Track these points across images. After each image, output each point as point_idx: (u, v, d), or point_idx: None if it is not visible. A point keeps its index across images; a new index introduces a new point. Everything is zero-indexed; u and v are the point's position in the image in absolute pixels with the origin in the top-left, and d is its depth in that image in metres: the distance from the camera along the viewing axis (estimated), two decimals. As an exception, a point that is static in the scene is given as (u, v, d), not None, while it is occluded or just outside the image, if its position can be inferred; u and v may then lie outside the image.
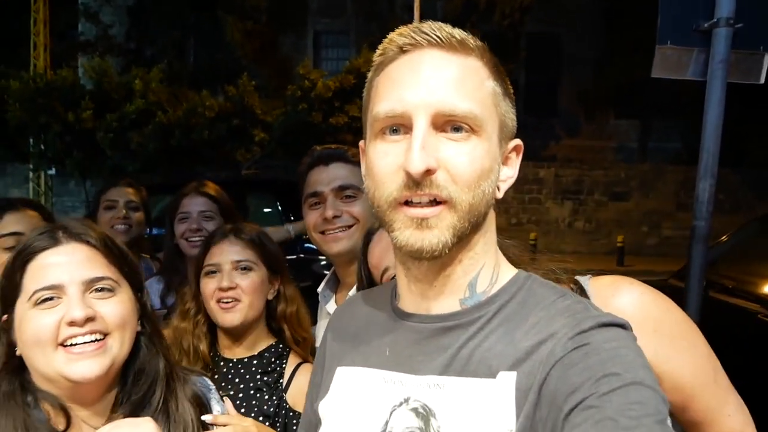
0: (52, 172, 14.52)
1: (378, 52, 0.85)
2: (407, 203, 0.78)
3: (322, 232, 1.63)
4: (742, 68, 2.64)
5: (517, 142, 0.87)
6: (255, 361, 1.62)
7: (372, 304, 0.97)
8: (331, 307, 1.72)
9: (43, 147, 12.75)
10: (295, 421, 1.53)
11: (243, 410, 1.53)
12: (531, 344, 0.75)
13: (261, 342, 1.66)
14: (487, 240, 0.85)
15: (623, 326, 0.76)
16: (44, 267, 1.03)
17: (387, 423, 0.82)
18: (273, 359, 1.63)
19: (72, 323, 1.00)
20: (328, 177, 1.63)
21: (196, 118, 11.73)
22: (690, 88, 2.95)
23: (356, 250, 1.58)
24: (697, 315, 2.49)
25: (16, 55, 14.70)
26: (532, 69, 16.17)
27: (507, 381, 0.74)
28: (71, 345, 1.01)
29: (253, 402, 1.55)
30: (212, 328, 1.67)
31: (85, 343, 1.01)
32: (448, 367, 0.79)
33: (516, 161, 0.88)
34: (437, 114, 0.77)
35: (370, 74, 0.87)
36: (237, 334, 1.63)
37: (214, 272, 1.61)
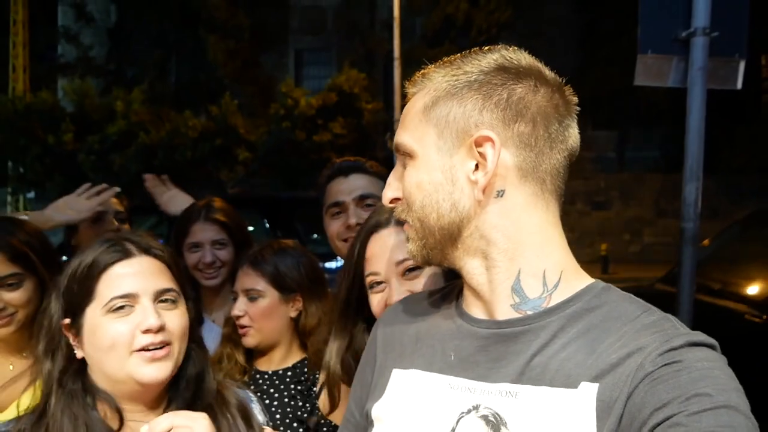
0: (32, 195, 14.31)
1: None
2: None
3: (345, 240, 1.68)
4: (720, 75, 2.74)
5: (480, 133, 0.78)
6: (289, 373, 1.71)
7: (433, 306, 0.95)
8: None
9: (22, 170, 12.60)
10: (325, 429, 1.59)
11: (278, 416, 1.63)
12: (617, 357, 0.73)
13: (293, 356, 1.75)
14: (493, 249, 0.81)
15: (713, 347, 0.74)
16: (119, 277, 1.10)
17: (453, 430, 0.79)
18: (305, 370, 1.72)
19: (147, 331, 1.07)
20: (348, 187, 1.69)
21: (179, 139, 11.72)
22: (666, 96, 3.03)
23: None
24: (690, 316, 2.54)
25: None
26: (511, 82, 16.36)
27: (589, 392, 0.72)
28: (143, 350, 1.08)
29: (288, 409, 1.65)
30: None
31: (155, 349, 1.08)
32: (522, 374, 0.77)
33: (488, 150, 0.78)
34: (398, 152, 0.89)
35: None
36: (263, 351, 1.74)
37: (234, 299, 1.75)
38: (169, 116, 12.21)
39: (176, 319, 1.13)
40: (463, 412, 0.79)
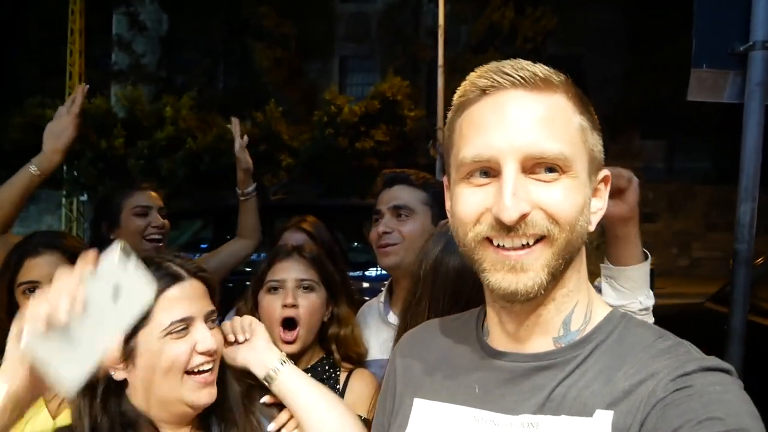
0: (84, 198, 14.90)
1: (458, 93, 0.83)
2: (499, 246, 0.78)
3: (377, 245, 1.76)
4: (779, 90, 2.63)
5: (606, 173, 0.85)
6: (309, 374, 1.62)
7: (455, 336, 0.94)
8: (392, 317, 1.78)
9: (76, 173, 13.14)
10: None
11: None
12: (630, 384, 0.74)
13: (315, 356, 1.71)
14: (580, 276, 0.84)
15: (728, 372, 0.73)
16: (175, 300, 1.12)
17: None
18: (327, 368, 1.68)
19: (205, 353, 1.11)
20: (388, 197, 1.76)
21: (224, 144, 12.00)
22: (717, 107, 2.93)
23: (405, 265, 1.67)
24: (741, 341, 2.44)
25: (52, 85, 15.25)
26: (556, 91, 16.14)
27: (604, 420, 0.73)
28: (197, 373, 1.12)
29: None
30: None
31: (206, 371, 1.12)
32: (543, 406, 0.77)
33: (605, 192, 0.85)
34: (526, 158, 0.76)
35: (450, 115, 0.86)
36: (296, 356, 1.67)
37: (276, 288, 1.65)
38: (216, 122, 12.54)
39: (219, 338, 1.18)
40: None
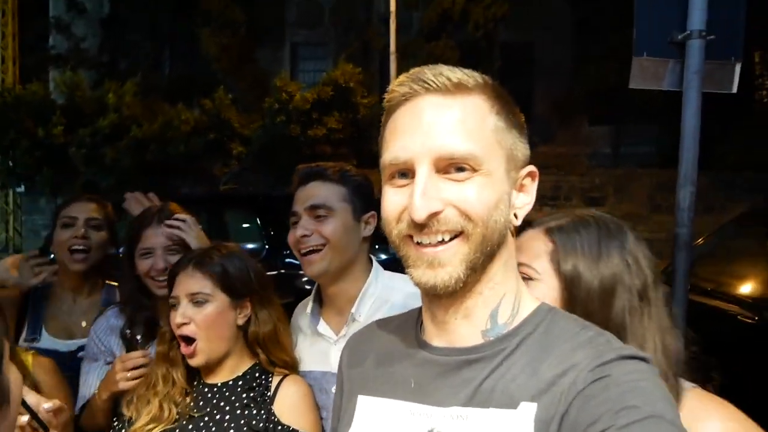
0: (21, 189, 14.16)
1: (386, 98, 0.89)
2: (419, 243, 0.83)
3: (299, 251, 1.61)
4: (716, 78, 2.72)
5: (530, 168, 0.89)
6: (240, 382, 1.61)
7: (394, 334, 0.98)
8: (322, 327, 1.68)
9: (11, 163, 12.47)
10: None
11: (233, 430, 1.52)
12: (553, 375, 0.77)
13: (243, 363, 1.65)
14: (507, 269, 0.86)
15: (645, 359, 0.77)
16: None
17: None
18: (257, 375, 1.62)
19: None
20: (305, 196, 1.62)
21: (171, 132, 11.63)
22: (661, 93, 3.02)
23: (333, 270, 1.58)
24: (683, 320, 2.53)
25: (-17, 71, 14.41)
26: (507, 78, 16.37)
27: (527, 412, 0.76)
28: None
29: (242, 421, 1.54)
30: None
31: None
32: (472, 398, 0.80)
33: (531, 186, 0.89)
34: (438, 159, 0.81)
35: (383, 118, 0.91)
36: (212, 365, 1.62)
37: (174, 306, 1.60)
38: (162, 110, 12.11)
39: None
40: None
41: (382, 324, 1.05)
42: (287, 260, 4.88)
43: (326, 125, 12.30)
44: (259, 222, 5.67)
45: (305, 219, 1.59)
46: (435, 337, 0.89)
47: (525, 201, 0.88)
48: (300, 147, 12.07)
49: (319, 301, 1.71)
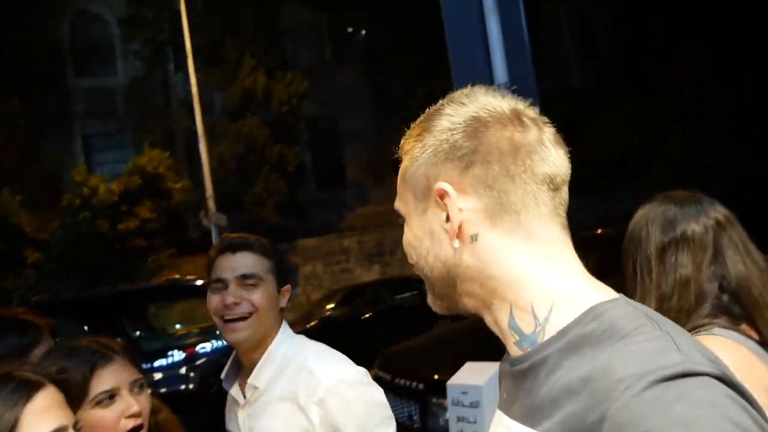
0: None
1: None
2: None
3: (222, 317, 1.66)
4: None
5: (436, 186, 0.84)
6: None
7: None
8: (234, 391, 1.71)
9: None
10: None
11: None
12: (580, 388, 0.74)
13: None
14: (485, 290, 0.85)
15: (716, 376, 0.68)
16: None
17: None
18: None
19: None
20: (234, 265, 1.68)
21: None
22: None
23: (256, 337, 1.64)
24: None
25: None
26: (316, 149, 17.12)
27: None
28: None
29: None
30: None
31: None
32: (530, 412, 0.80)
33: (447, 201, 0.83)
34: None
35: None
36: None
37: None
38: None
39: None
40: None
41: None
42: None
43: (138, 216, 11.47)
44: (86, 328, 5.02)
45: (234, 287, 1.65)
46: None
47: (443, 217, 0.84)
48: (110, 243, 11.03)
49: (239, 366, 1.77)
